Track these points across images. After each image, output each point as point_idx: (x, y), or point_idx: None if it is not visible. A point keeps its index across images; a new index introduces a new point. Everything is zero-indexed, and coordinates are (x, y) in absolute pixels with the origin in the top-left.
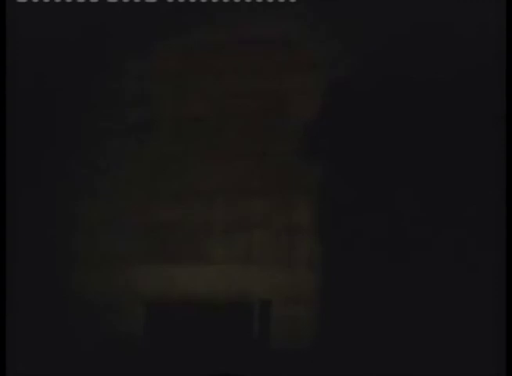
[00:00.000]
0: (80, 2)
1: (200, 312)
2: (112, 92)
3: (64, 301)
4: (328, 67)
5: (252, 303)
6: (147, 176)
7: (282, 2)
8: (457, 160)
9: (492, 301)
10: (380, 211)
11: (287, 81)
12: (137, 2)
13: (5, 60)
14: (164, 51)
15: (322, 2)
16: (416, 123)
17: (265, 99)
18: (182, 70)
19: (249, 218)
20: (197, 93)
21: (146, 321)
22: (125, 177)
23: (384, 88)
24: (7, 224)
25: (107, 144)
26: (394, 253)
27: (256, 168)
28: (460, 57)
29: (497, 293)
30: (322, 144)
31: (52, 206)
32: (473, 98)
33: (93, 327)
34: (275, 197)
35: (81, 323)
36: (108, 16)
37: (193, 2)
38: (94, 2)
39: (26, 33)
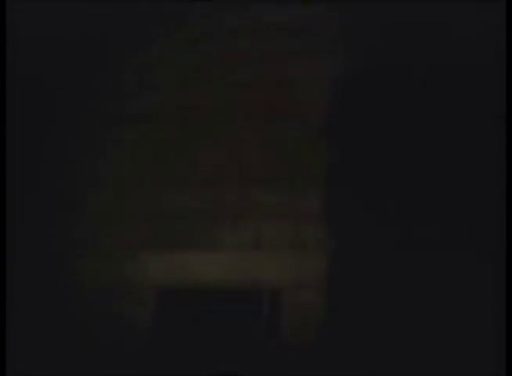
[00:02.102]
0: (80, 2)
1: (210, 300)
2: (113, 85)
3: (71, 293)
4: (339, 55)
5: (262, 290)
6: (158, 164)
7: None
8: (457, 159)
9: (492, 301)
10: (387, 200)
11: (296, 69)
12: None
13: (5, 60)
14: (167, 41)
15: None
16: (416, 122)
17: (275, 86)
18: (187, 60)
19: (259, 205)
20: (205, 81)
21: (157, 308)
22: (136, 165)
23: (384, 88)
24: (8, 216)
25: (112, 135)
26: (401, 241)
27: (266, 156)
28: (460, 57)
29: (497, 293)
30: (332, 132)
31: (59, 195)
32: (473, 98)
33: (103, 316)
34: (285, 185)
35: (91, 314)
36: (108, 15)
37: None
38: (94, 2)
39: (26, 33)
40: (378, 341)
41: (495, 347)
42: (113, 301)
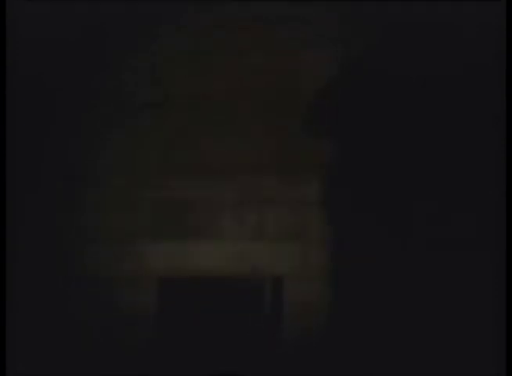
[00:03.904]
0: (80, 2)
1: (212, 289)
2: (113, 85)
3: (71, 287)
4: (341, 46)
5: (264, 279)
6: (159, 153)
7: None
8: (457, 159)
9: (492, 301)
10: (388, 192)
11: (299, 59)
12: None
13: (5, 60)
14: (176, 30)
15: None
16: (416, 122)
17: (277, 76)
18: (195, 49)
19: (261, 194)
20: (210, 71)
21: (159, 297)
22: (137, 155)
23: (385, 88)
24: (8, 208)
25: (113, 125)
26: (402, 234)
27: (268, 145)
28: (460, 57)
29: (497, 293)
30: (334, 121)
31: (59, 187)
32: (473, 98)
33: (104, 308)
34: (287, 174)
35: (91, 308)
36: (108, 15)
37: None
38: (94, 2)
39: (26, 33)
40: (377, 340)
41: (495, 347)
42: (114, 292)
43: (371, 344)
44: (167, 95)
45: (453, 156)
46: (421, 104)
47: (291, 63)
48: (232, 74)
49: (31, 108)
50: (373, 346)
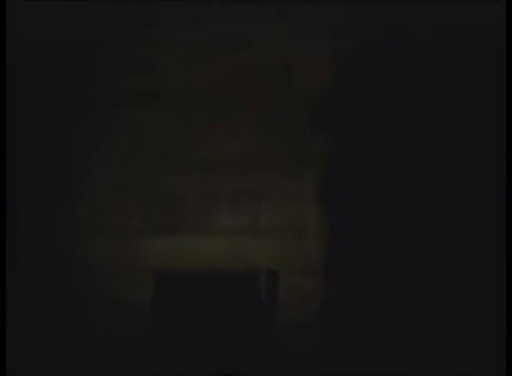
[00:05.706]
0: (80, 2)
1: (207, 283)
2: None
3: (70, 286)
4: (341, 45)
5: (259, 274)
6: (154, 147)
7: None
8: (457, 159)
9: (492, 301)
10: (386, 187)
11: (296, 51)
12: None
13: (5, 60)
14: (176, 30)
15: None
16: (415, 123)
17: (277, 75)
18: (195, 49)
19: (256, 188)
20: (210, 70)
21: (155, 292)
22: (135, 150)
23: (385, 88)
24: (7, 207)
25: (119, 122)
26: (400, 228)
27: (263, 139)
28: (460, 57)
29: (497, 293)
30: (333, 119)
31: (56, 179)
32: (473, 97)
33: (103, 303)
34: (282, 168)
35: (90, 302)
36: (108, 15)
37: None
38: (93, 2)
39: (26, 33)
40: (375, 338)
41: (495, 347)
42: (112, 289)
43: (368, 342)
44: (167, 94)
45: (453, 155)
46: (421, 104)
47: (291, 62)
48: (232, 72)
49: (31, 108)
50: (370, 344)
